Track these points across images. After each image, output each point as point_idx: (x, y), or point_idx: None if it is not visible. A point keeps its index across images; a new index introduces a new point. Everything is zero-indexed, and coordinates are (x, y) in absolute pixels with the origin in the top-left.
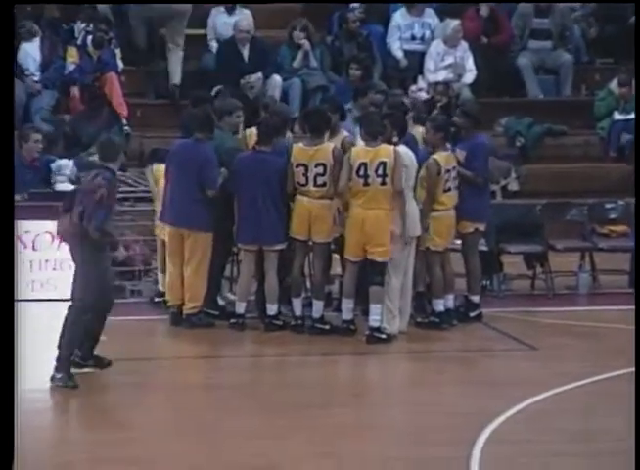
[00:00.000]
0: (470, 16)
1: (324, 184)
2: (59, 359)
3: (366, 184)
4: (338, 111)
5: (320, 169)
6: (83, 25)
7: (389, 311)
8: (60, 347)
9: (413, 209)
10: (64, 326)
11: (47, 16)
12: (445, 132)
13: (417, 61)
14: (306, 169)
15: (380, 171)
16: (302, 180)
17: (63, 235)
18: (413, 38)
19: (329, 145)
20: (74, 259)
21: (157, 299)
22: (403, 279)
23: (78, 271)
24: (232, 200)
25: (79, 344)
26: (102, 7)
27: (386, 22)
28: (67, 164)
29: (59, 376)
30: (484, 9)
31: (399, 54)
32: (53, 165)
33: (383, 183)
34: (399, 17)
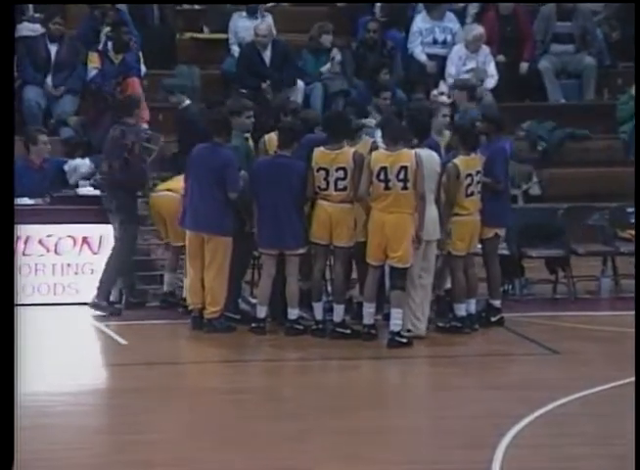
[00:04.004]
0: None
1: (345, 188)
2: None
3: (387, 188)
4: (361, 115)
5: (341, 174)
6: (106, 30)
7: (413, 313)
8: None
9: (431, 213)
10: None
11: (69, 18)
12: (461, 135)
13: (439, 65)
14: (327, 173)
15: (401, 176)
16: (323, 184)
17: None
18: (435, 42)
19: (349, 149)
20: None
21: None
22: (421, 282)
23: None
24: (252, 203)
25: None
26: (121, 9)
27: (407, 27)
28: (82, 163)
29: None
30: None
31: (423, 58)
32: (66, 166)
33: (404, 187)
34: (420, 21)
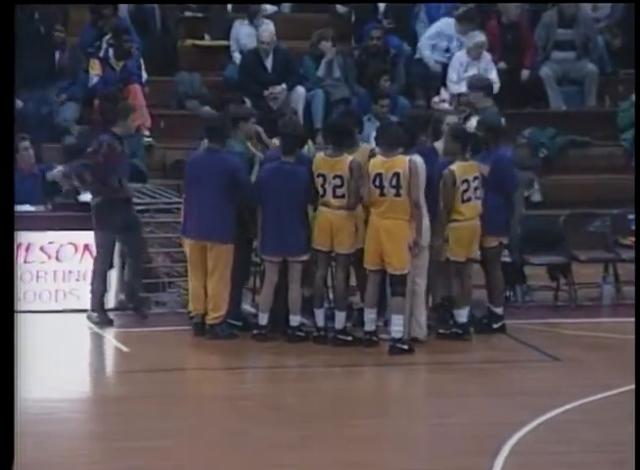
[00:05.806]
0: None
1: (343, 196)
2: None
3: (382, 194)
4: (358, 125)
5: (338, 181)
6: (107, 37)
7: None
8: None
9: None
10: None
11: (71, 25)
12: (463, 142)
13: (441, 72)
14: (324, 180)
15: (394, 182)
16: (321, 191)
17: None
18: (447, 51)
19: (347, 157)
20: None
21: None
22: (415, 288)
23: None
24: (257, 210)
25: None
26: (122, 16)
27: (409, 34)
28: (57, 171)
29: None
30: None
31: (430, 59)
32: (49, 176)
33: (397, 194)
34: (443, 24)
